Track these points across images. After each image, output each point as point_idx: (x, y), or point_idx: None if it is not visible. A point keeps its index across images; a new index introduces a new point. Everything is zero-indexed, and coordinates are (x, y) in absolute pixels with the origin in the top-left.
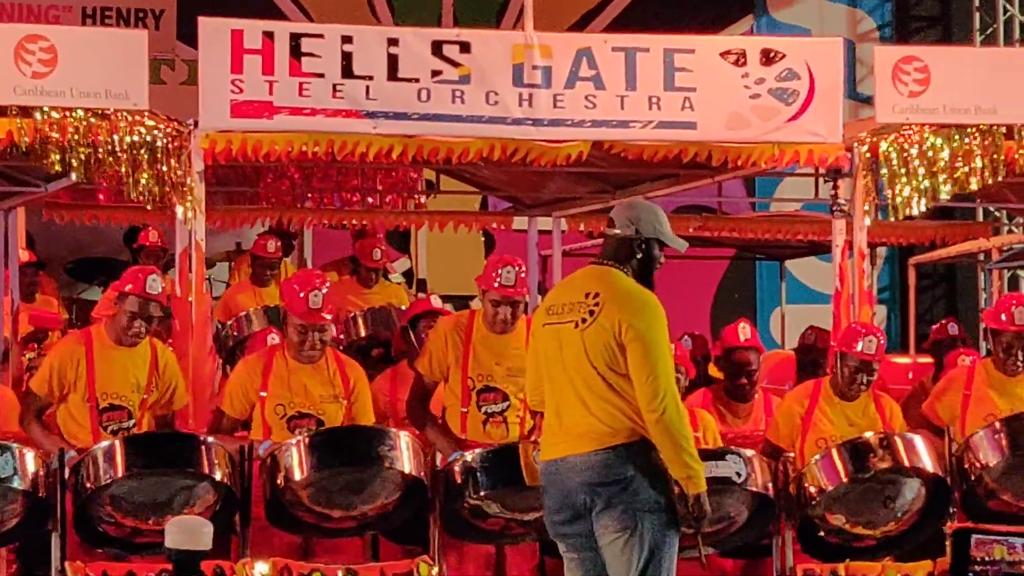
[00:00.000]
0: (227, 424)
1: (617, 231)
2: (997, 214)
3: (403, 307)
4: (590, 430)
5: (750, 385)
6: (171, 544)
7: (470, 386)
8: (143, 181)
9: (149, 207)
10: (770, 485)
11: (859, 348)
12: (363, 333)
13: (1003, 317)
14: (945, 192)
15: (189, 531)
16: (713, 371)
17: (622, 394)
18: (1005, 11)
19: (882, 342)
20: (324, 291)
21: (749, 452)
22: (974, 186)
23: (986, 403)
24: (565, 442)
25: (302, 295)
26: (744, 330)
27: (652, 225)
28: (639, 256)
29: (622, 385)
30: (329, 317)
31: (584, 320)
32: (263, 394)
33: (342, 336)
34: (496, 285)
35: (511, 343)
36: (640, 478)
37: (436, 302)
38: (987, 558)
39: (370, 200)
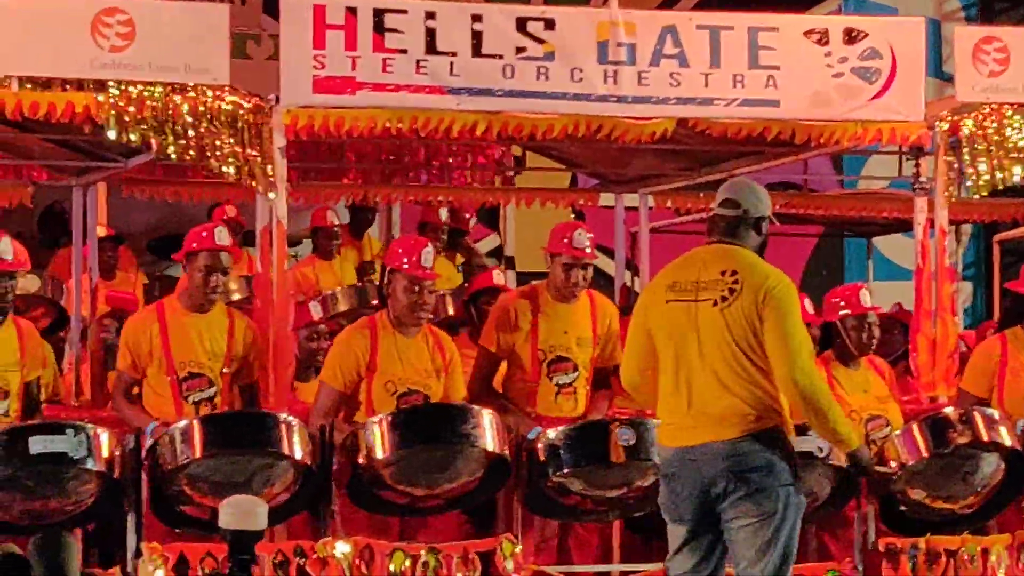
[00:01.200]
0: (330, 399)
1: (729, 211)
2: None
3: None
4: (731, 412)
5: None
6: (224, 524)
7: (541, 358)
8: (224, 157)
9: (237, 181)
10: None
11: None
12: (451, 311)
13: None
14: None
15: (243, 511)
16: None
17: (765, 372)
18: None
19: None
20: (431, 251)
21: None
22: None
23: (1022, 372)
24: (702, 427)
25: (414, 256)
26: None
27: (759, 202)
28: (753, 235)
29: (764, 363)
30: (436, 278)
31: (724, 298)
32: (371, 371)
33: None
34: (570, 248)
35: (577, 312)
36: (779, 462)
37: (498, 278)
38: None
39: (456, 176)
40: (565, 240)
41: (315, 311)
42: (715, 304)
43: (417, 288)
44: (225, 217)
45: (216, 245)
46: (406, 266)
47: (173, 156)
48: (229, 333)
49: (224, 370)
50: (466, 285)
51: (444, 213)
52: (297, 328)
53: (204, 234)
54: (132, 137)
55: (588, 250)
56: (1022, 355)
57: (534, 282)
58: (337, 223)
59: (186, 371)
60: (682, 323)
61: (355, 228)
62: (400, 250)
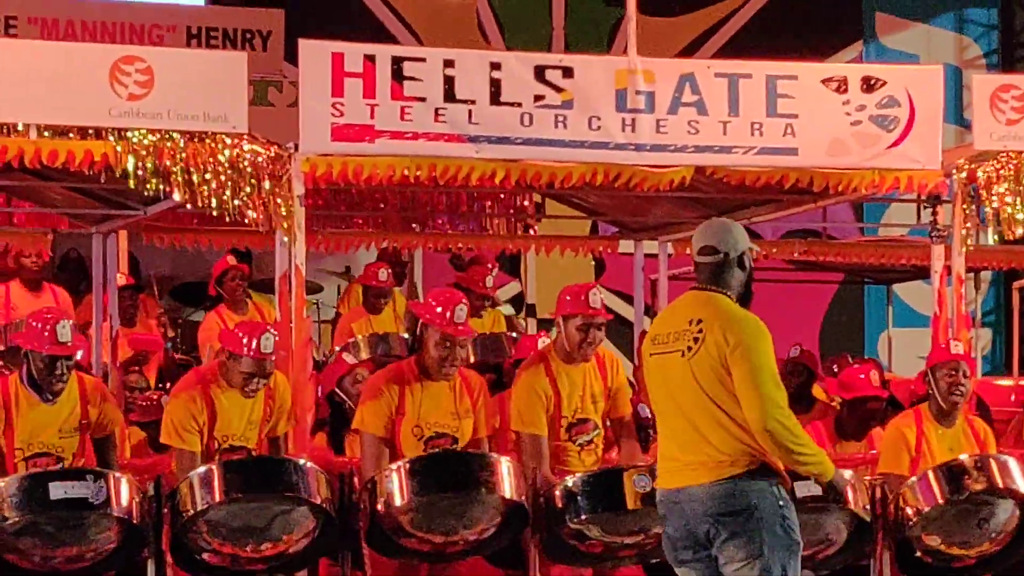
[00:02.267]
0: (374, 446)
1: (708, 258)
2: None
3: (513, 334)
4: (708, 459)
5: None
6: None
7: (563, 424)
8: (242, 205)
9: (256, 229)
10: (868, 506)
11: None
12: (472, 360)
13: None
14: None
15: None
16: (818, 392)
17: (736, 420)
18: None
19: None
20: (465, 307)
21: (847, 473)
22: None
23: None
24: (684, 472)
25: (448, 312)
26: (875, 378)
27: (736, 239)
28: (738, 272)
29: (735, 410)
30: (471, 333)
31: (690, 348)
32: (400, 415)
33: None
34: (587, 307)
35: (588, 371)
36: (763, 506)
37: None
38: None
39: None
40: (581, 300)
41: (348, 358)
42: (683, 355)
43: (448, 344)
44: (228, 268)
45: (261, 354)
46: (439, 322)
47: (191, 205)
48: (268, 397)
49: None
50: (491, 333)
51: (490, 281)
52: (341, 377)
53: (249, 340)
54: (151, 185)
55: (603, 309)
56: None
57: (540, 348)
58: (389, 284)
59: (227, 444)
60: (662, 375)
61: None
62: (435, 304)
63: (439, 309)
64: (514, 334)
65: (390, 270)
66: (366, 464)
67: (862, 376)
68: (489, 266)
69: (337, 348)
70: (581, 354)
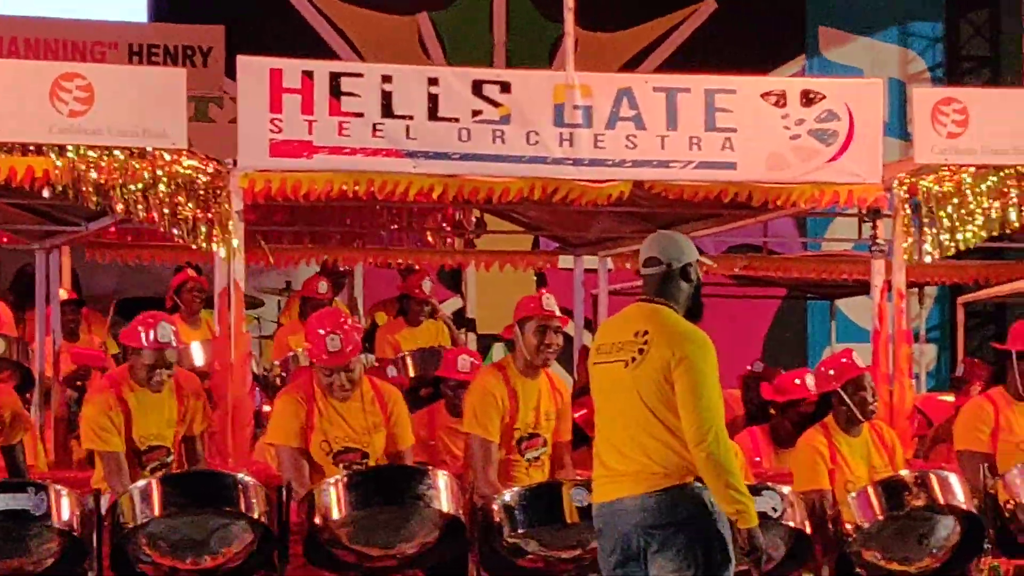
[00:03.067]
0: (290, 456)
1: (652, 269)
2: None
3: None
4: (642, 471)
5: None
6: None
7: (516, 437)
8: (182, 220)
9: (193, 246)
10: (806, 522)
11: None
12: (411, 373)
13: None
14: (981, 233)
15: None
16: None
17: (675, 433)
18: None
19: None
20: (343, 331)
21: (785, 488)
22: (1012, 227)
23: (1014, 431)
24: (617, 484)
25: (319, 348)
26: (810, 383)
27: (681, 251)
28: (683, 284)
29: (675, 423)
30: (352, 357)
31: (634, 359)
32: (309, 430)
33: (360, 352)
34: (540, 309)
35: (540, 387)
36: (695, 519)
37: (463, 366)
38: None
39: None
40: (535, 303)
41: (391, 372)
42: (626, 365)
43: (328, 373)
44: (187, 280)
45: (159, 343)
46: (317, 355)
47: (135, 219)
48: (179, 400)
49: (176, 431)
50: (429, 347)
51: (428, 286)
52: None
53: (145, 331)
54: (92, 202)
55: (557, 311)
56: (1012, 414)
57: (500, 361)
58: (329, 295)
59: (146, 444)
60: (603, 384)
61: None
62: (311, 336)
63: (314, 340)
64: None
65: (329, 282)
66: (286, 476)
67: (796, 381)
68: (424, 274)
69: (277, 362)
70: (540, 359)
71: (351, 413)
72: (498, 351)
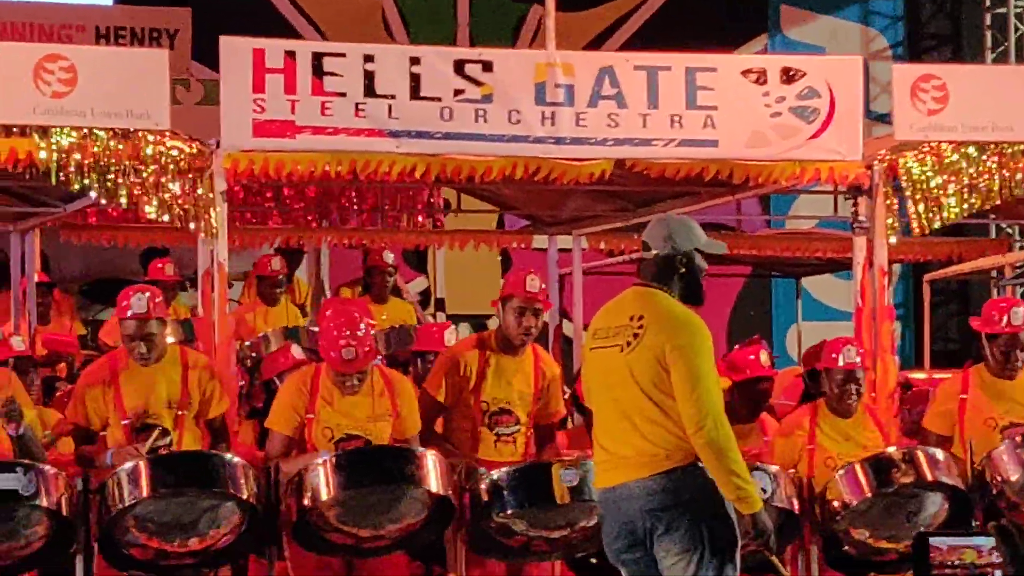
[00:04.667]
0: (279, 444)
1: (654, 252)
2: (1010, 231)
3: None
4: (643, 454)
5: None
6: None
7: (484, 409)
8: (166, 201)
9: (178, 225)
10: (795, 500)
11: (841, 362)
12: (383, 352)
13: (1003, 320)
14: (963, 209)
15: None
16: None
17: (673, 416)
18: (1016, 29)
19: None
20: (359, 340)
21: (774, 468)
22: (992, 203)
23: (983, 409)
24: (619, 468)
25: (333, 353)
26: (765, 359)
27: (687, 237)
28: (683, 271)
29: (672, 406)
30: (367, 365)
31: (629, 343)
32: (310, 416)
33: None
34: (523, 291)
35: (523, 366)
36: (699, 499)
37: (448, 340)
38: (957, 562)
39: (388, 219)
40: (519, 282)
41: (296, 352)
42: (621, 350)
43: (342, 376)
44: (163, 277)
45: (134, 314)
46: (334, 363)
47: (120, 202)
48: (183, 382)
49: (179, 413)
50: (400, 326)
51: (390, 256)
52: (284, 371)
53: (121, 303)
54: (76, 182)
55: (540, 295)
56: (982, 392)
57: (483, 332)
58: (281, 271)
59: (140, 421)
60: (602, 369)
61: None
62: (326, 342)
63: (330, 349)
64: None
65: (282, 260)
66: (268, 456)
67: (751, 357)
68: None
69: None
70: (518, 339)
71: (357, 403)
72: (464, 331)
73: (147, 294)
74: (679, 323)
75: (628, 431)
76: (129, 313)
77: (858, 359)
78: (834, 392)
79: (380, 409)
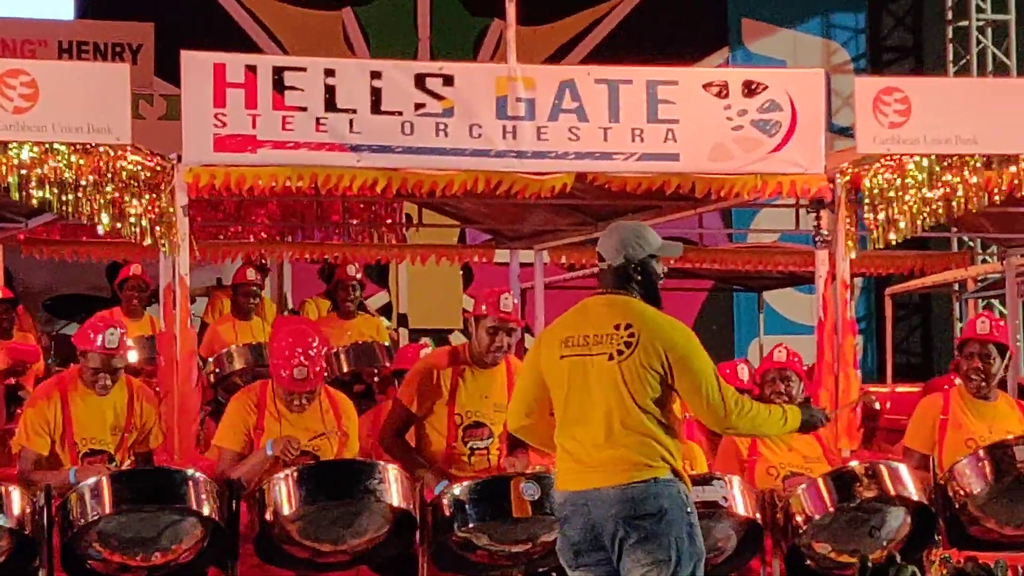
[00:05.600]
0: (229, 460)
1: (607, 262)
2: (971, 244)
3: (385, 343)
4: (622, 461)
5: None
6: None
7: (457, 422)
8: (127, 216)
9: (144, 241)
10: (758, 514)
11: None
12: (346, 369)
13: (971, 328)
14: (925, 222)
15: None
16: None
17: (657, 426)
18: (978, 42)
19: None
20: (311, 359)
21: (735, 478)
22: (954, 216)
23: (963, 428)
24: (594, 473)
25: (285, 372)
26: (743, 371)
27: (638, 244)
28: (639, 279)
29: (657, 417)
30: (317, 385)
31: (621, 352)
32: (259, 431)
33: (325, 372)
34: (496, 310)
35: (496, 378)
36: (673, 510)
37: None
38: None
39: (350, 233)
40: (493, 303)
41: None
42: (611, 358)
43: (290, 396)
44: (131, 275)
45: (105, 349)
46: (283, 378)
47: (80, 217)
48: (129, 406)
49: (124, 435)
50: (362, 343)
51: (353, 268)
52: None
53: (94, 334)
54: (37, 198)
55: (514, 315)
56: (962, 409)
57: (456, 345)
58: (257, 281)
59: (87, 447)
60: (576, 377)
61: None
62: (277, 361)
63: (280, 366)
64: (386, 343)
65: (257, 271)
66: (216, 475)
67: (727, 371)
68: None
69: (210, 359)
70: (490, 358)
71: (305, 420)
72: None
73: (119, 330)
74: (671, 328)
75: (608, 438)
76: (99, 346)
77: (787, 358)
78: (766, 394)
79: (326, 427)
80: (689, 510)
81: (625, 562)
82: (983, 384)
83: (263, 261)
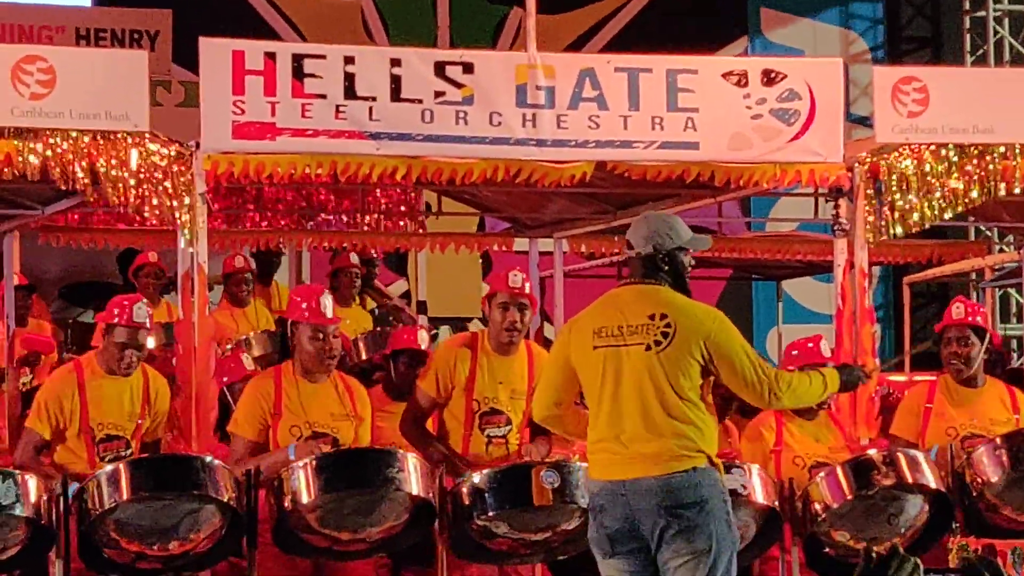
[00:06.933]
0: (243, 448)
1: (637, 251)
2: (988, 233)
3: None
4: (663, 452)
5: None
6: None
7: (474, 409)
8: (145, 203)
9: (167, 228)
10: (777, 502)
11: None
12: (364, 356)
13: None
14: (943, 211)
15: None
16: None
17: (696, 414)
18: (995, 32)
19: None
20: (330, 296)
21: (755, 466)
22: (972, 205)
23: (944, 417)
24: (633, 463)
25: (312, 303)
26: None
27: (668, 235)
28: (667, 269)
29: (696, 405)
30: (339, 321)
31: (659, 342)
32: (276, 415)
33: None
34: (506, 286)
35: (514, 366)
36: (713, 499)
37: (422, 341)
38: None
39: (369, 221)
40: (502, 278)
41: (248, 363)
42: (648, 348)
43: (322, 336)
44: (147, 262)
45: (133, 323)
46: (307, 315)
47: (99, 204)
48: (145, 393)
49: (140, 421)
50: (380, 329)
51: (355, 257)
52: (234, 382)
53: (126, 306)
54: (56, 185)
55: (523, 289)
56: (946, 398)
57: (476, 331)
58: (247, 267)
59: (104, 432)
60: (611, 367)
61: (262, 274)
62: (299, 300)
63: (304, 304)
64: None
65: (245, 256)
66: (236, 466)
67: (809, 345)
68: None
69: (228, 347)
70: (505, 337)
71: (323, 398)
72: (445, 334)
73: (146, 305)
74: (706, 316)
75: (647, 428)
76: (128, 320)
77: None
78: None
79: (345, 408)
80: (726, 499)
81: (664, 552)
82: (963, 368)
83: (280, 248)
